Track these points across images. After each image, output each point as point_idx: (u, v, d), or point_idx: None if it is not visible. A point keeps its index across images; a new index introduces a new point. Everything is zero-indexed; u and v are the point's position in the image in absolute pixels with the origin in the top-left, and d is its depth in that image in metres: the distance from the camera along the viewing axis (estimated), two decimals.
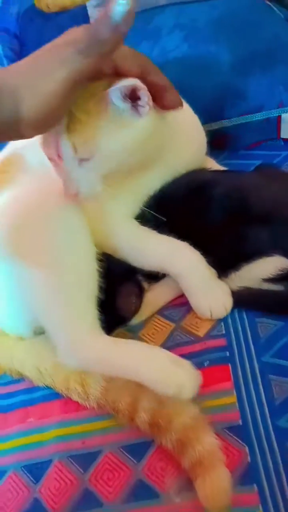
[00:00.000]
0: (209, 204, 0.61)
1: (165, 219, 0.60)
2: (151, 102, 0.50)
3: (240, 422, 0.48)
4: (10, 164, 0.65)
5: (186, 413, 0.48)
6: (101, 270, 0.57)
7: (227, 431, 0.48)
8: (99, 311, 0.56)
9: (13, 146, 0.72)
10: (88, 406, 0.54)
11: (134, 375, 0.51)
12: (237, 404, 0.50)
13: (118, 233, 0.62)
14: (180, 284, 0.60)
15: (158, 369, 0.50)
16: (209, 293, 0.59)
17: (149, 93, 0.49)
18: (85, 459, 0.50)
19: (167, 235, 0.60)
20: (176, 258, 0.60)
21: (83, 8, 1.01)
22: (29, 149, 0.66)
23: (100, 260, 0.58)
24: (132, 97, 0.49)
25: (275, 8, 0.93)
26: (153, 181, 0.62)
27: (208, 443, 0.46)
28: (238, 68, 0.81)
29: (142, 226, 0.62)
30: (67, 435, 0.53)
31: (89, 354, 0.54)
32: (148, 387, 0.50)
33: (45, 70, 0.40)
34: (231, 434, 0.48)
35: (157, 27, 0.83)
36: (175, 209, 0.62)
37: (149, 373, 0.50)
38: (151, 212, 0.60)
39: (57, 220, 0.56)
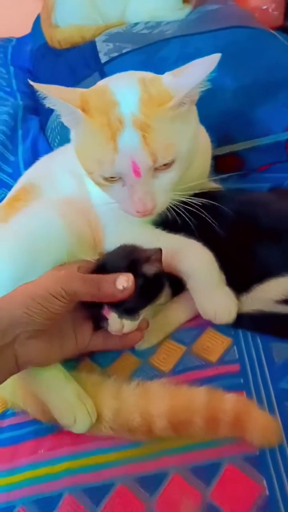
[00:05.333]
0: (220, 220, 0.60)
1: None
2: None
3: (258, 453, 0.46)
4: (25, 193, 0.67)
5: (198, 397, 0.50)
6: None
7: (244, 462, 0.46)
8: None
9: (28, 176, 0.75)
10: (101, 432, 0.52)
11: (42, 396, 0.55)
12: None
13: (133, 230, 0.62)
14: (187, 282, 0.59)
15: (64, 400, 0.53)
16: (216, 295, 0.58)
17: None
18: (97, 493, 0.49)
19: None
20: (186, 255, 0.59)
21: (93, 43, 1.05)
22: (45, 179, 0.68)
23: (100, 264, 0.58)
24: None
25: (279, 36, 0.95)
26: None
27: (229, 398, 0.49)
28: (244, 94, 0.83)
29: (158, 229, 0.62)
30: (78, 467, 0.51)
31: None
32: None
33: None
34: (249, 465, 0.46)
35: (162, 58, 0.85)
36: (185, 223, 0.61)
37: (55, 402, 0.54)
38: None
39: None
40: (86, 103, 0.52)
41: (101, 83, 0.58)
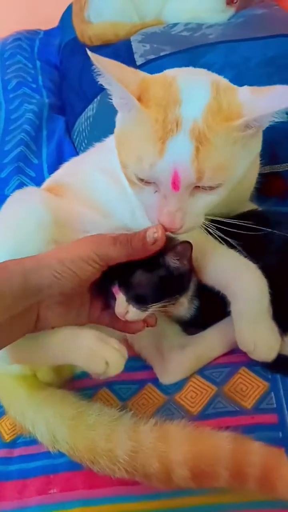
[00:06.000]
0: (267, 246, 0.56)
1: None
2: None
3: None
4: (51, 192, 0.64)
5: (222, 443, 0.45)
6: None
7: None
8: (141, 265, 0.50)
9: (54, 178, 0.71)
10: (116, 474, 0.48)
11: (62, 357, 0.52)
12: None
13: (195, 242, 0.54)
14: (232, 305, 0.54)
15: (88, 348, 0.50)
16: (260, 326, 0.53)
17: None
18: None
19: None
20: (242, 276, 0.53)
21: (127, 43, 1.00)
22: (74, 179, 0.65)
23: None
24: None
25: None
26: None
27: (258, 449, 0.45)
28: None
29: (214, 240, 0.55)
30: None
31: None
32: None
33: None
34: None
35: (206, 65, 0.80)
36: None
37: (79, 354, 0.50)
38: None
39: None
40: (146, 91, 0.47)
41: (170, 73, 0.51)
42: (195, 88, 0.47)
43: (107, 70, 0.45)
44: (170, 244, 0.49)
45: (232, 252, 0.54)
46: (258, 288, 0.52)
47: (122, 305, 0.49)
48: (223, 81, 0.50)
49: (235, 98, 0.46)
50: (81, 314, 0.52)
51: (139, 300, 0.49)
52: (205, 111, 0.45)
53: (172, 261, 0.49)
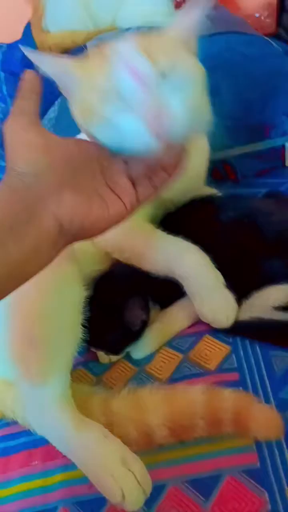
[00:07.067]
0: (219, 228, 0.60)
1: None
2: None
3: (258, 465, 0.45)
4: None
5: (196, 397, 0.49)
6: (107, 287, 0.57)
7: (244, 475, 0.45)
8: (108, 329, 0.55)
9: None
10: None
11: (82, 467, 0.48)
12: (254, 445, 0.47)
13: (134, 230, 0.60)
14: (186, 286, 0.59)
15: (105, 469, 0.46)
16: (214, 298, 0.58)
17: None
18: (92, 505, 0.47)
19: None
20: (184, 259, 0.58)
21: (83, 48, 1.04)
22: None
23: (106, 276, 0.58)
24: None
25: (273, 43, 0.95)
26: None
27: (228, 395, 0.49)
28: (240, 100, 0.82)
29: (155, 229, 0.61)
30: (73, 479, 0.50)
31: (48, 426, 0.51)
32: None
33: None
34: (249, 479, 0.45)
35: None
36: (186, 230, 0.61)
37: (96, 473, 0.47)
38: None
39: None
40: (82, 60, 0.44)
41: None
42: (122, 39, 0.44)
43: (38, 59, 0.45)
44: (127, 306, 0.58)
45: (171, 238, 0.59)
46: (201, 266, 0.57)
47: (104, 357, 0.60)
48: None
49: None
50: (111, 208, 0.40)
51: (114, 352, 0.60)
52: (140, 38, 0.43)
53: (132, 324, 0.58)
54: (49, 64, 0.45)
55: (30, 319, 0.51)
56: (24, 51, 0.47)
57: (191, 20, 0.45)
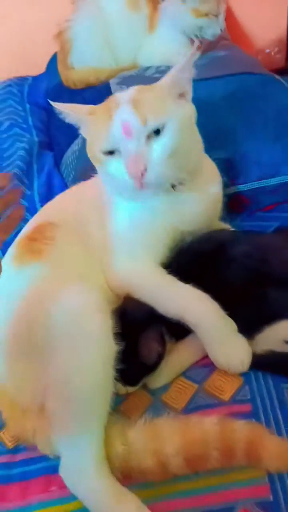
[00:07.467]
0: (230, 263, 0.62)
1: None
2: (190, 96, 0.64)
3: (271, 498, 0.46)
4: (40, 232, 0.68)
5: (210, 427, 0.51)
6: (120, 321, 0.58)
7: (256, 507, 0.46)
8: (125, 363, 0.56)
9: (43, 214, 0.76)
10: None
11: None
12: (266, 477, 0.48)
13: (147, 276, 0.64)
14: (198, 334, 0.60)
15: None
16: (227, 344, 0.59)
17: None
18: None
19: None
20: (194, 307, 0.60)
21: (107, 85, 1.10)
22: (61, 217, 0.70)
23: (121, 310, 0.61)
24: None
25: (284, 82, 1.00)
26: (183, 218, 0.66)
27: (241, 426, 0.50)
28: (253, 137, 0.86)
29: (167, 274, 0.64)
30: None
31: (85, 491, 0.51)
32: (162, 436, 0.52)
33: None
34: (261, 511, 0.46)
35: None
36: (198, 265, 0.63)
37: None
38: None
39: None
40: (94, 109, 0.63)
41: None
42: (125, 92, 0.64)
43: (62, 109, 0.62)
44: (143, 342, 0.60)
45: (181, 286, 0.61)
46: (210, 314, 0.59)
47: (122, 389, 0.60)
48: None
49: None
50: None
51: (130, 384, 0.60)
52: (135, 92, 0.62)
53: (148, 360, 0.60)
54: (68, 114, 0.63)
55: (66, 375, 0.53)
56: (51, 103, 0.62)
57: (182, 71, 0.61)
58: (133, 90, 0.62)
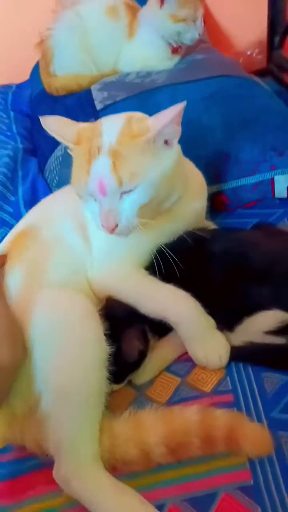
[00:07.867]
0: (210, 260, 0.64)
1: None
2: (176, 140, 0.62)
3: (252, 482, 0.48)
4: (24, 237, 0.69)
5: (191, 416, 0.52)
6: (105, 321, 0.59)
7: (239, 492, 0.47)
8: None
9: (27, 220, 0.76)
10: None
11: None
12: (248, 463, 0.49)
13: (127, 279, 0.66)
14: (178, 332, 0.62)
15: None
16: (206, 341, 0.61)
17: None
18: None
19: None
20: (175, 307, 0.62)
21: (88, 91, 1.12)
22: (44, 223, 0.71)
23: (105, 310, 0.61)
24: None
25: (262, 83, 1.02)
26: (164, 231, 0.67)
27: (221, 415, 0.51)
28: (231, 136, 0.88)
29: (149, 275, 0.65)
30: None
31: (80, 488, 0.52)
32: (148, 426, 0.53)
33: None
34: (243, 495, 0.47)
35: (155, 104, 0.92)
36: (179, 263, 0.64)
37: None
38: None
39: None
40: (80, 136, 0.62)
41: (100, 120, 0.66)
42: (113, 123, 0.62)
43: (51, 130, 0.63)
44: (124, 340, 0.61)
45: (163, 286, 0.63)
46: (191, 313, 0.61)
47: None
48: (138, 114, 0.63)
49: (145, 123, 0.60)
50: None
51: (116, 381, 0.60)
52: (119, 135, 0.59)
53: (130, 357, 0.61)
54: (54, 131, 0.63)
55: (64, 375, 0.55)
56: (40, 119, 0.63)
57: (164, 121, 0.58)
58: (116, 134, 0.59)
